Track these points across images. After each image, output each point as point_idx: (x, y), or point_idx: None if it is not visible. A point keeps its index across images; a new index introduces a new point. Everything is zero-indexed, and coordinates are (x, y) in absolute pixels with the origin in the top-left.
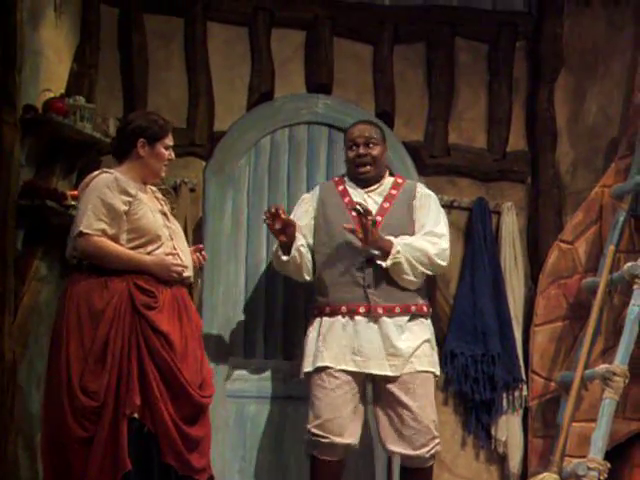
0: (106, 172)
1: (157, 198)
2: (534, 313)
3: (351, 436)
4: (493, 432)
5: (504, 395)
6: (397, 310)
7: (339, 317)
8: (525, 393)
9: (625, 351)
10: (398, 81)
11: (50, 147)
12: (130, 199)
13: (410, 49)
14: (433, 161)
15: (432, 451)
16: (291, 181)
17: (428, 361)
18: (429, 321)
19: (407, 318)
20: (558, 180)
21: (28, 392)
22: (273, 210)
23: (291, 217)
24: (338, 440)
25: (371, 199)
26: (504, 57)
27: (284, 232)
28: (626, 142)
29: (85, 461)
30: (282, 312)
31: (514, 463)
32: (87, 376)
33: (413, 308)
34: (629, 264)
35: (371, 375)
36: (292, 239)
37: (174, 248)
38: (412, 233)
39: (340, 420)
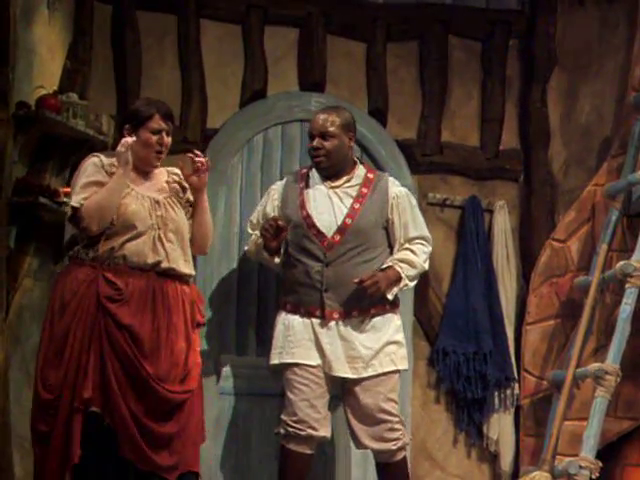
0: (95, 156)
1: (167, 182)
2: (526, 311)
3: (325, 430)
4: (485, 430)
5: (496, 393)
6: (354, 314)
7: (299, 316)
8: (517, 391)
9: (617, 350)
10: (391, 79)
11: (43, 144)
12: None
13: (403, 47)
14: (426, 159)
15: (399, 443)
16: (284, 179)
17: (391, 360)
18: (395, 315)
19: (367, 320)
20: (551, 179)
21: (20, 389)
22: (273, 223)
23: (260, 208)
24: (314, 433)
25: (337, 196)
26: (497, 55)
27: (277, 238)
28: (619, 141)
29: (44, 456)
30: (274, 310)
31: (506, 461)
32: (47, 369)
33: (372, 310)
34: (621, 263)
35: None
36: (281, 243)
37: (159, 238)
38: (381, 234)
39: (316, 414)
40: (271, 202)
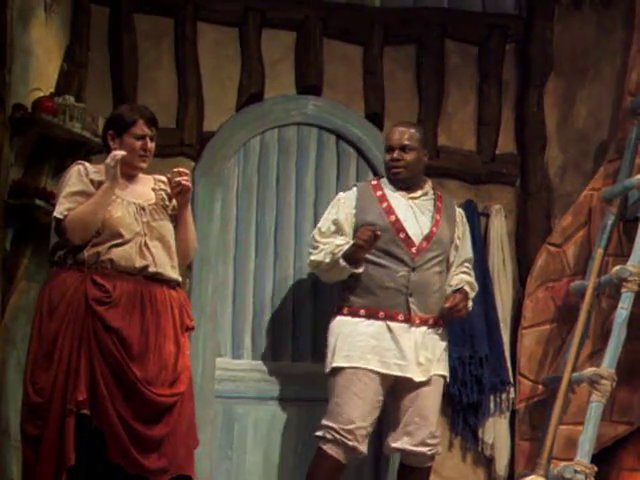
0: (79, 163)
1: (154, 190)
2: (522, 316)
3: (365, 447)
4: (480, 434)
5: (491, 397)
6: (430, 321)
7: (375, 321)
8: (512, 396)
9: (613, 354)
10: (388, 83)
11: (39, 146)
12: (94, 189)
13: (400, 51)
14: None
15: (434, 450)
16: (280, 182)
17: (444, 366)
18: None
19: (434, 328)
20: (547, 183)
21: (15, 391)
22: (371, 233)
23: (329, 216)
24: (359, 447)
25: (417, 207)
26: (494, 60)
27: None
28: (615, 145)
29: (35, 459)
30: (271, 313)
31: (501, 466)
32: (36, 372)
33: (440, 321)
34: (617, 267)
35: (395, 379)
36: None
37: (145, 244)
38: (449, 249)
39: (364, 431)
40: (343, 210)
